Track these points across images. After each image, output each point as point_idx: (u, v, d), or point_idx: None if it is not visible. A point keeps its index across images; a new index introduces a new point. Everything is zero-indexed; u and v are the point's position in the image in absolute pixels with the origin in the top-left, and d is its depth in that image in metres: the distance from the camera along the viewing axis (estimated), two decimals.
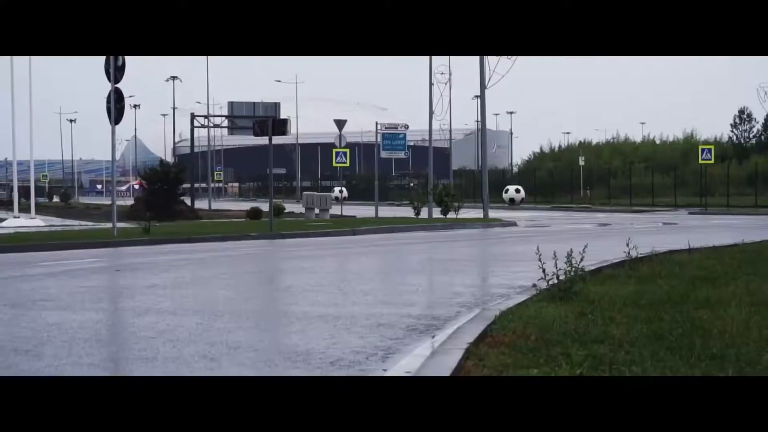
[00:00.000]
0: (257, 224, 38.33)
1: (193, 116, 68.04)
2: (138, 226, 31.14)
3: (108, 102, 29.40)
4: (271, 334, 10.07)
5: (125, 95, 30.38)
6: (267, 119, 36.52)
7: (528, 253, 21.71)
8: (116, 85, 29.30)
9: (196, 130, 68.99)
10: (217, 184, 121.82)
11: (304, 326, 10.41)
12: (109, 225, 30.93)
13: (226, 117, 67.88)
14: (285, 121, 35.78)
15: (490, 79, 47.27)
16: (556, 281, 11.40)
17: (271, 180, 36.42)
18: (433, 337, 9.33)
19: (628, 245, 14.60)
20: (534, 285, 11.52)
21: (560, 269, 11.49)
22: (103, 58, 29.32)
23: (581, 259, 11.80)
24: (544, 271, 11.23)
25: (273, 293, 14.64)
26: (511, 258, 19.86)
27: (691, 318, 9.00)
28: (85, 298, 13.12)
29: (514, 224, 40.58)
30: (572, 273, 11.49)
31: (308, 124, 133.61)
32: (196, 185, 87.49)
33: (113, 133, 29.71)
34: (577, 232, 33.31)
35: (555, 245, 24.09)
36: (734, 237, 25.37)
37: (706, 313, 9.29)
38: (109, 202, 73.79)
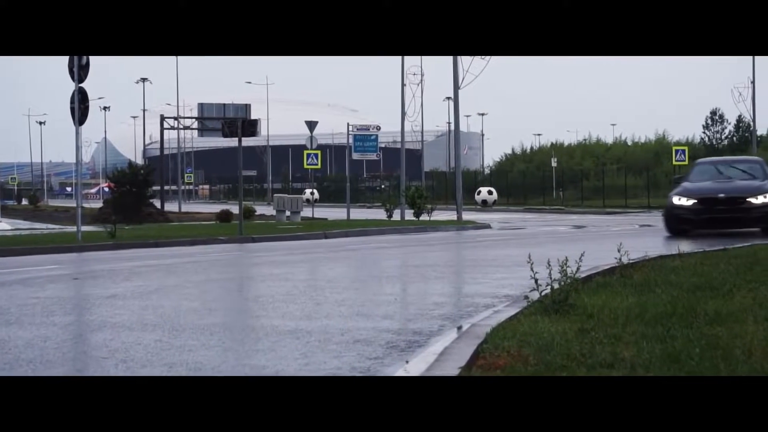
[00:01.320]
0: (227, 227, 37.43)
1: (162, 118, 67.13)
2: (104, 230, 30.13)
3: (72, 102, 28.47)
4: (236, 354, 9.10)
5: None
6: (236, 120, 35.46)
7: (508, 258, 20.98)
8: (80, 85, 28.35)
9: (166, 132, 68.00)
10: (187, 187, 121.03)
11: (274, 343, 9.46)
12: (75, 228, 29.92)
13: (195, 119, 66.96)
14: (255, 122, 34.86)
15: (463, 79, 46.44)
16: (548, 291, 10.49)
17: (241, 182, 35.45)
18: (409, 360, 8.39)
19: (619, 251, 13.71)
20: (526, 297, 10.55)
21: (554, 279, 10.57)
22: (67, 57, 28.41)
23: (577, 269, 10.88)
24: (536, 281, 10.30)
25: (241, 304, 13.68)
26: (492, 263, 18.95)
27: (706, 336, 8.07)
28: (36, 311, 12.11)
29: (488, 226, 39.83)
30: (566, 283, 10.54)
31: (279, 125, 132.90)
32: (167, 187, 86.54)
33: (78, 133, 28.79)
34: (554, 236, 32.46)
35: (535, 249, 23.24)
36: (716, 240, 24.64)
37: (721, 329, 8.37)
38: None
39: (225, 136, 35.29)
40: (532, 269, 10.19)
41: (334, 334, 9.87)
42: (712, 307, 9.73)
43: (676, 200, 28.08)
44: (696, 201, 27.60)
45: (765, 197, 27.42)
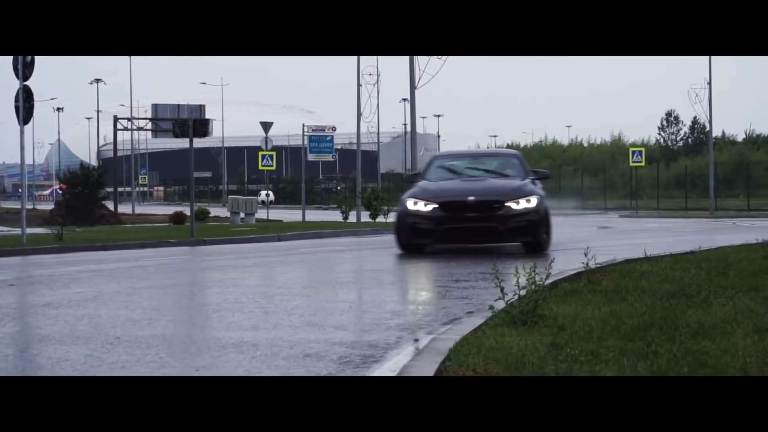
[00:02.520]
0: (179, 229, 36.49)
1: (116, 119, 66.20)
2: (51, 233, 29.14)
3: (16, 101, 27.53)
4: (173, 371, 8.23)
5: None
6: (187, 120, 34.53)
7: (468, 262, 20.22)
8: (25, 83, 27.42)
9: (121, 133, 67.06)
10: (142, 188, 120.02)
11: (216, 358, 8.62)
12: (27, 230, 28.92)
13: (149, 119, 66.02)
14: (206, 122, 33.93)
15: (419, 79, 45.68)
16: (514, 300, 9.72)
17: (192, 183, 34.50)
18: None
19: (586, 254, 12.99)
20: (491, 307, 9.72)
21: (521, 287, 9.79)
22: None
23: (547, 276, 10.11)
24: (502, 290, 9.51)
25: (184, 313, 12.78)
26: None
27: (692, 352, 7.30)
28: None
29: None
30: (532, 290, 9.75)
31: (235, 127, 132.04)
32: (121, 189, 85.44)
33: (22, 133, 27.85)
34: None
35: (495, 252, 22.57)
36: (681, 242, 24.02)
37: (707, 344, 7.61)
38: (30, 206, 71.55)
39: (176, 136, 34.40)
40: (497, 277, 9.40)
41: (283, 348, 9.05)
42: (693, 317, 8.97)
43: (411, 205, 21.31)
44: (437, 206, 20.95)
45: (528, 201, 21.03)
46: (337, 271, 18.20)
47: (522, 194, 21.15)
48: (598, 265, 14.13)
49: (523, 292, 9.93)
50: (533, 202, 21.03)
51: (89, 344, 9.44)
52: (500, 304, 9.72)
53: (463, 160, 24.44)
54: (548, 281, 10.86)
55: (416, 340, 9.16)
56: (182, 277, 17.94)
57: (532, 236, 20.86)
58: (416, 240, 21.22)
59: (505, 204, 20.81)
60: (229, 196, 55.77)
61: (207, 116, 61.24)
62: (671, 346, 7.57)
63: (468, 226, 20.63)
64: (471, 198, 20.91)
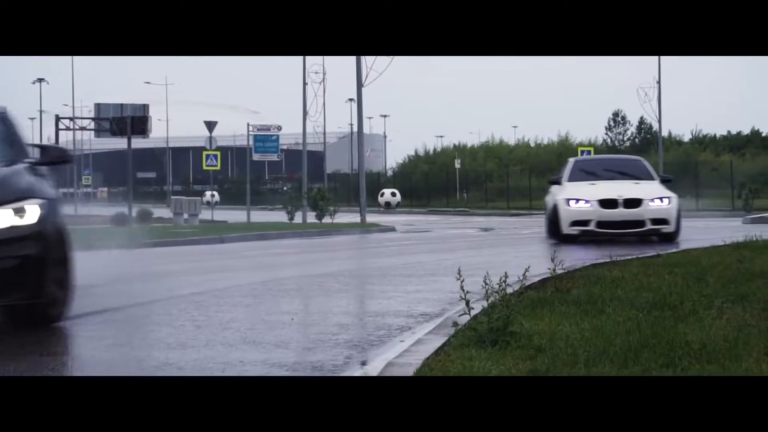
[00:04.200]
0: (119, 231, 35.00)
1: (57, 118, 64.50)
2: None
3: None
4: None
5: None
6: (125, 118, 33.14)
7: (420, 265, 18.90)
8: None
9: (65, 133, 65.59)
10: (86, 189, 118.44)
11: None
12: None
13: (92, 119, 64.48)
14: (145, 119, 32.62)
15: (367, 76, 44.63)
16: (478, 311, 8.49)
17: (130, 182, 33.25)
18: None
19: (553, 259, 11.79)
20: (455, 323, 8.39)
21: (490, 291, 8.55)
22: None
23: (523, 286, 8.88)
24: (468, 303, 8.26)
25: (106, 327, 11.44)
26: (402, 272, 16.93)
27: None
28: None
29: (392, 229, 38.10)
30: (499, 300, 8.51)
31: (180, 127, 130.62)
32: (64, 190, 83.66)
33: None
34: (464, 239, 30.68)
35: (448, 255, 21.34)
36: (637, 243, 23.06)
37: (715, 369, 6.41)
38: None
39: (114, 134, 33.28)
40: (462, 289, 8.15)
41: (213, 371, 7.78)
42: (688, 335, 7.75)
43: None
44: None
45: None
46: (279, 276, 16.84)
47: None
48: (564, 270, 12.95)
49: (484, 303, 8.75)
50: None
51: None
52: (464, 319, 8.46)
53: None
54: (510, 290, 9.68)
55: (363, 363, 7.94)
56: (110, 284, 16.48)
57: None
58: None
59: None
60: (172, 197, 54.52)
61: (151, 116, 59.97)
62: (674, 372, 6.37)
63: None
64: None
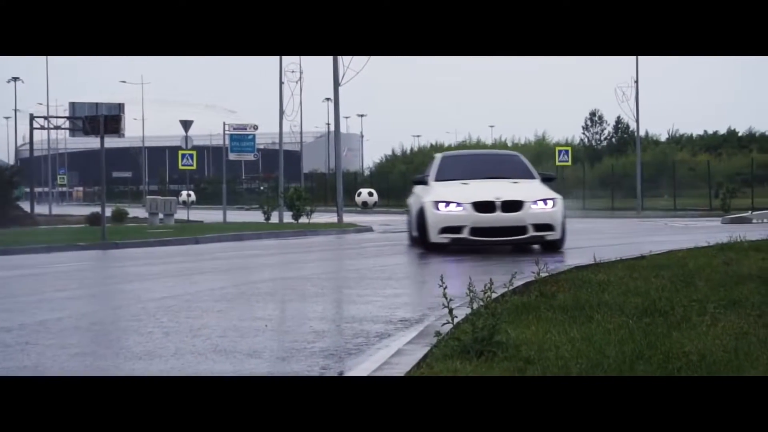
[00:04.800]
0: (93, 232, 34.43)
1: (32, 117, 64.18)
2: None
3: None
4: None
5: None
6: (98, 116, 32.51)
7: (399, 268, 18.38)
8: None
9: (41, 132, 65.13)
10: (61, 188, 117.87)
11: None
12: None
13: (67, 118, 64.04)
14: (118, 118, 31.92)
15: (343, 75, 44.14)
16: (460, 319, 8.04)
17: (104, 182, 32.60)
18: None
19: (537, 263, 11.37)
20: (437, 333, 7.91)
21: (474, 295, 8.10)
22: None
23: (509, 291, 8.43)
24: (451, 312, 7.81)
25: (69, 335, 10.77)
26: (380, 275, 16.47)
27: None
28: None
29: (370, 229, 37.62)
30: (483, 308, 8.06)
31: (157, 126, 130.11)
32: (40, 190, 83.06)
33: None
34: None
35: (426, 258, 20.91)
36: (625, 245, 22.65)
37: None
38: None
39: (86, 133, 32.56)
40: (445, 296, 7.70)
41: None
42: (685, 345, 7.31)
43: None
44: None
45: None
46: (253, 279, 16.35)
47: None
48: (548, 274, 12.53)
49: (467, 309, 8.31)
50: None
51: None
52: (447, 328, 8.00)
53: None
54: (494, 294, 9.26)
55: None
56: (78, 288, 15.94)
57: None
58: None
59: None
60: (148, 197, 53.96)
61: (127, 115, 59.44)
62: None
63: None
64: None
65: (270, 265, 20.39)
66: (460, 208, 20.94)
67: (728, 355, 6.89)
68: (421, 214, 21.41)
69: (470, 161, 24.67)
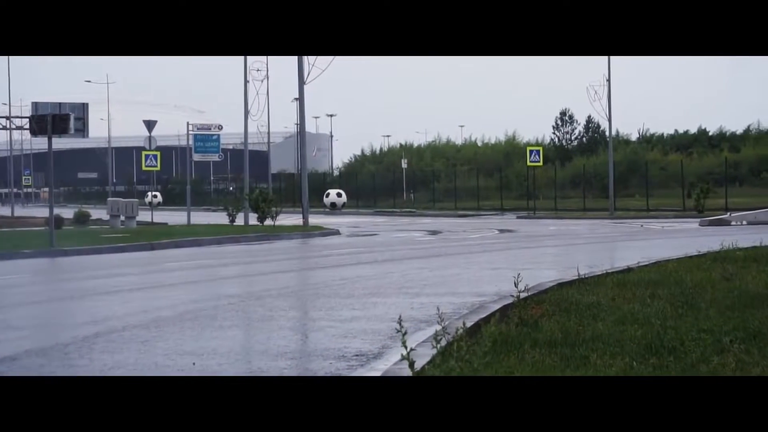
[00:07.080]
0: (45, 236, 32.59)
1: None
2: None
3: None
4: None
5: None
6: (45, 116, 30.72)
7: (360, 280, 16.46)
8: None
9: (2, 133, 63.48)
10: (26, 190, 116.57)
11: None
12: None
13: (28, 118, 62.23)
14: (66, 117, 30.13)
15: (309, 73, 42.54)
16: (426, 362, 6.39)
17: (51, 184, 30.93)
18: None
19: (516, 284, 9.69)
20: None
21: (431, 318, 6.44)
22: None
23: (485, 320, 6.74)
24: (409, 352, 6.13)
25: None
26: (339, 291, 14.76)
27: None
28: None
29: (337, 233, 36.17)
30: (456, 342, 6.40)
31: (124, 126, 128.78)
32: (5, 190, 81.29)
33: None
34: (410, 245, 28.59)
35: (391, 267, 19.17)
36: (605, 251, 21.16)
37: None
38: None
39: (33, 134, 30.88)
40: (404, 345, 6.02)
41: None
42: None
43: None
44: None
45: None
46: (195, 298, 14.51)
47: None
48: (527, 293, 10.85)
49: (434, 342, 6.66)
50: None
51: None
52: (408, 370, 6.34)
53: None
54: (467, 322, 7.62)
55: None
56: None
57: None
58: None
59: None
60: (109, 199, 52.23)
61: (92, 115, 57.82)
62: None
63: None
64: None
65: (218, 279, 18.48)
66: None
67: None
68: None
69: None
